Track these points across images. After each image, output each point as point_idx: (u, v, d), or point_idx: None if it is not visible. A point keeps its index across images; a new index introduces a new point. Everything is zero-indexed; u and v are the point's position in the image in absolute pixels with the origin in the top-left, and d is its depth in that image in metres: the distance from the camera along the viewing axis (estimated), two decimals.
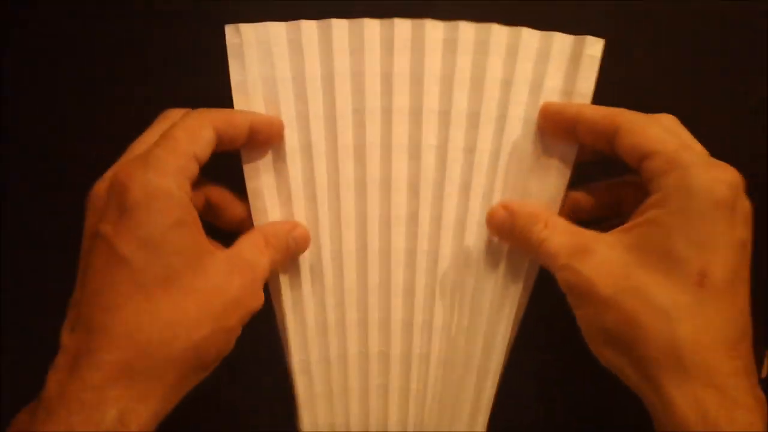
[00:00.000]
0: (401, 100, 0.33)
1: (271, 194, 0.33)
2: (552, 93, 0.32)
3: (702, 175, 0.26)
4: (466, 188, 0.33)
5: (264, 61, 0.32)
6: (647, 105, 0.31)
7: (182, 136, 0.28)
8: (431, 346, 0.34)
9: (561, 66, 0.32)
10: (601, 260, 0.28)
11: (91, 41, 0.37)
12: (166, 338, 0.26)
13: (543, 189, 0.32)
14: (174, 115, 0.31)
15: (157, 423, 0.27)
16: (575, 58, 0.32)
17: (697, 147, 0.29)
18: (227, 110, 0.31)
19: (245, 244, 0.30)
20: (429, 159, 0.33)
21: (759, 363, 0.32)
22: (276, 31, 0.32)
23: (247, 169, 0.32)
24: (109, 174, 0.29)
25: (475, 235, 0.33)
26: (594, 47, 0.31)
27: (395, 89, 0.32)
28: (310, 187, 0.33)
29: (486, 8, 0.34)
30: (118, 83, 0.37)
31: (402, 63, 0.32)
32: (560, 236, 0.29)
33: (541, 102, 0.32)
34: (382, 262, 0.34)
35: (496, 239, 0.33)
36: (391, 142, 0.33)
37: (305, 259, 0.33)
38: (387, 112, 0.33)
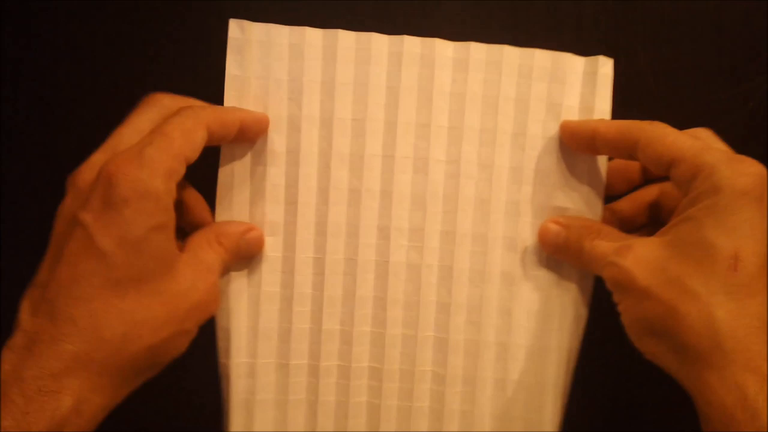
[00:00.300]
0: (407, 114, 0.32)
1: (241, 193, 0.32)
2: (570, 111, 0.32)
3: (726, 170, 0.27)
4: (484, 203, 0.33)
5: (262, 60, 0.32)
6: (647, 106, 0.31)
7: (177, 137, 0.28)
8: (447, 362, 0.33)
9: (576, 85, 0.32)
10: (639, 255, 0.28)
11: (91, 41, 0.37)
12: (130, 337, 0.27)
13: (576, 202, 0.33)
14: (162, 102, 0.30)
15: (105, 414, 0.27)
16: (589, 78, 0.32)
17: (719, 145, 0.30)
18: (220, 108, 0.31)
19: (199, 244, 0.30)
20: (437, 173, 0.32)
21: None
22: (279, 33, 0.32)
23: (224, 165, 0.32)
24: (96, 160, 0.28)
25: (500, 249, 0.33)
26: (606, 66, 0.32)
27: (401, 103, 0.32)
28: (293, 191, 0.32)
29: (489, 9, 0.34)
30: (118, 83, 0.37)
31: (410, 78, 0.32)
32: (608, 241, 0.30)
33: (561, 120, 0.33)
34: (378, 274, 0.33)
35: (526, 253, 0.33)
36: (394, 154, 0.32)
37: (271, 263, 0.33)
38: (391, 125, 0.32)
